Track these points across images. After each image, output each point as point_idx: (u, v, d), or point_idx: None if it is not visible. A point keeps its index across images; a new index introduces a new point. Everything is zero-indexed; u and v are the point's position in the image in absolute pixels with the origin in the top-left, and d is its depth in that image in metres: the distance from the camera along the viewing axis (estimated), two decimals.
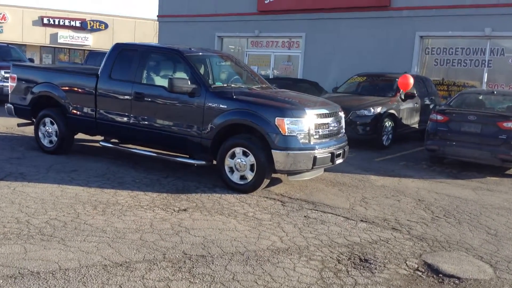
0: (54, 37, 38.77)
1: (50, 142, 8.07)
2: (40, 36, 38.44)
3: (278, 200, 6.19)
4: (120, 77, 7.33)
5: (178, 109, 6.81)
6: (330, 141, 6.59)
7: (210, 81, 6.95)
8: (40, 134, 8.15)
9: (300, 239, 4.82)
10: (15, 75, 8.41)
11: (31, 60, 17.65)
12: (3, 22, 37.14)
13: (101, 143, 7.65)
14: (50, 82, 7.95)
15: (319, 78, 14.80)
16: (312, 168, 6.30)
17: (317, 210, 5.83)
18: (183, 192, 6.26)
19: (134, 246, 4.35)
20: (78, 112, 7.69)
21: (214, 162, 6.80)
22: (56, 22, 38.73)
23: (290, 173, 6.37)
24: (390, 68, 13.93)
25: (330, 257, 4.41)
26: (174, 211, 5.47)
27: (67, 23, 38.85)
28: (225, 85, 6.94)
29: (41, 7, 38.89)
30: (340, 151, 6.73)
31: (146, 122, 7.06)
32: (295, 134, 6.16)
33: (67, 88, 7.78)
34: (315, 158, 6.23)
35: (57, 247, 4.21)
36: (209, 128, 6.53)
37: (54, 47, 39.82)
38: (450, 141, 8.85)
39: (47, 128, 8.05)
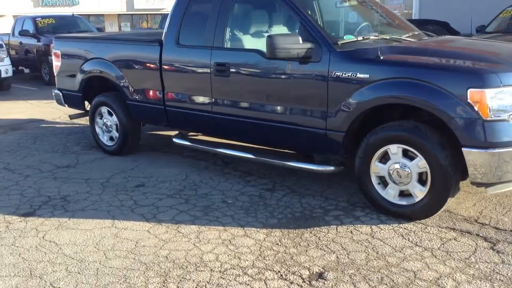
0: (130, 3, 37.41)
1: (111, 139, 5.93)
2: (116, 4, 37.26)
3: (476, 235, 3.50)
4: (192, 42, 4.87)
5: (284, 85, 4.24)
6: None
7: (335, 34, 4.25)
8: (97, 129, 6.04)
9: None
10: (59, 51, 6.29)
11: (100, 31, 15.92)
12: None
13: (174, 140, 5.34)
14: (101, 57, 5.72)
15: (442, 18, 11.42)
16: None
17: None
18: (305, 224, 3.77)
19: None
20: (140, 97, 5.41)
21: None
22: None
23: (492, 184, 3.61)
24: None
25: None
26: (302, 279, 3.01)
27: None
28: (358, 38, 4.20)
29: None
30: None
31: (234, 107, 4.60)
32: (505, 117, 3.36)
33: (122, 63, 5.50)
34: None
35: None
36: (339, 113, 3.92)
37: (131, 14, 38.61)
38: None
39: (104, 120, 5.91)
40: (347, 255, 3.27)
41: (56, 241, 3.62)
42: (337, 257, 3.26)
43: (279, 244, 3.48)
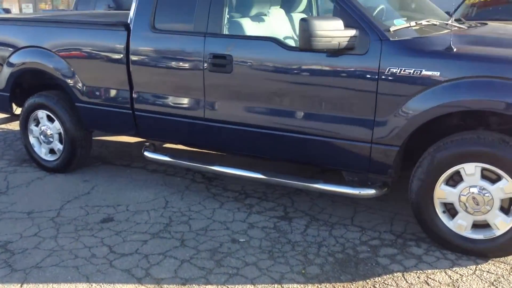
0: None
1: (51, 152, 4.56)
2: None
3: None
4: (175, 27, 3.69)
5: (312, 85, 3.22)
6: None
7: (384, 19, 3.28)
8: (31, 139, 4.62)
9: None
10: None
11: (7, 12, 13.73)
12: None
13: (145, 153, 4.10)
14: (38, 45, 4.30)
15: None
16: None
17: None
18: (358, 273, 2.82)
19: None
20: (96, 98, 4.11)
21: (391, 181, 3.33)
22: None
23: None
24: None
25: None
26: None
27: None
28: (410, 24, 3.27)
29: None
30: None
31: (238, 114, 3.50)
32: None
33: (70, 54, 4.14)
34: None
35: None
36: (391, 122, 2.99)
37: None
38: None
39: (42, 128, 4.51)
40: None
41: None
42: None
43: None
